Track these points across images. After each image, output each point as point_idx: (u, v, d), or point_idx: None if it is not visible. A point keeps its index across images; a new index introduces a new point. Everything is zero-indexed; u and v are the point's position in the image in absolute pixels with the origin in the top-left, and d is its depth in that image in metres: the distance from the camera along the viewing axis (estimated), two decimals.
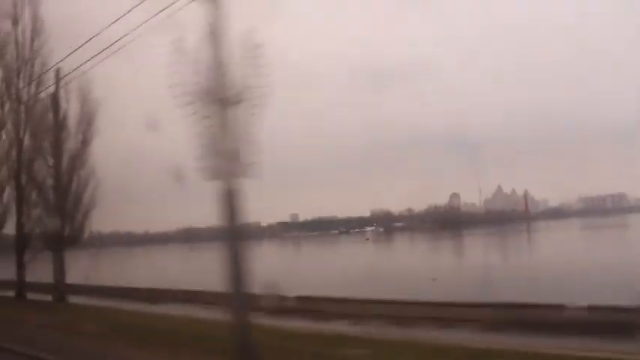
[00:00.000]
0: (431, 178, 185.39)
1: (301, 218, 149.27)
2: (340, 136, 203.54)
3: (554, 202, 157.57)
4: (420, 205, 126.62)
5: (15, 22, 23.76)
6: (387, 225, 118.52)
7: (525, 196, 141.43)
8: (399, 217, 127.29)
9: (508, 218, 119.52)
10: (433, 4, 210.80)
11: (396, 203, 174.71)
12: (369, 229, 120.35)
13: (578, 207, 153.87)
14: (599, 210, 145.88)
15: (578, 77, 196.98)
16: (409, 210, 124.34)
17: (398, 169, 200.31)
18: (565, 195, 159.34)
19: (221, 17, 8.66)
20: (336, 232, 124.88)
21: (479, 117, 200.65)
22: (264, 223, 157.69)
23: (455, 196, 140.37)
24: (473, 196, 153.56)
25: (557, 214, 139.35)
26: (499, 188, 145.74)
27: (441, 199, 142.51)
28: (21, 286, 24.75)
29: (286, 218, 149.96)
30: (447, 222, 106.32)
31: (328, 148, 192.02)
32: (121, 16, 12.13)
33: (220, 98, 8.58)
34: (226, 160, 8.43)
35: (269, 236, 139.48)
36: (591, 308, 13.31)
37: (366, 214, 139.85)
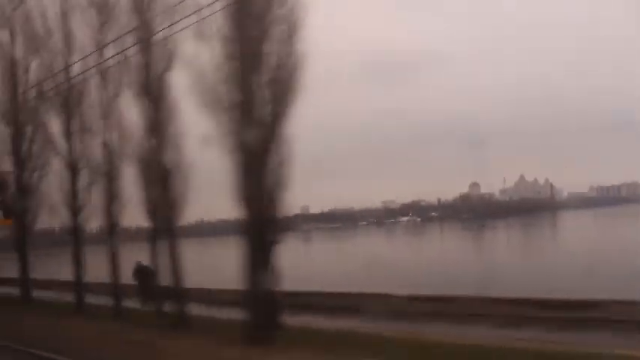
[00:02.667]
0: (440, 169, 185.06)
1: (312, 210, 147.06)
2: (351, 130, 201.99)
3: (567, 191, 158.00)
4: (434, 196, 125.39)
5: None
6: (423, 215, 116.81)
7: (551, 185, 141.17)
8: (425, 207, 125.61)
9: (537, 207, 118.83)
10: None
11: (405, 194, 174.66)
12: (404, 219, 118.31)
13: (591, 196, 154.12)
14: (614, 199, 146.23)
15: (590, 65, 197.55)
16: (439, 200, 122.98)
17: (409, 160, 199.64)
18: (579, 184, 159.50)
19: None
20: (365, 223, 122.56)
21: (490, 108, 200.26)
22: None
23: (475, 185, 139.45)
24: (491, 186, 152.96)
25: (579, 202, 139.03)
26: (522, 177, 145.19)
27: (453, 190, 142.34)
28: None
29: (296, 210, 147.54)
30: (482, 211, 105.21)
31: (336, 141, 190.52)
32: None
33: None
34: None
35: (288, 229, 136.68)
36: None
37: (378, 205, 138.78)
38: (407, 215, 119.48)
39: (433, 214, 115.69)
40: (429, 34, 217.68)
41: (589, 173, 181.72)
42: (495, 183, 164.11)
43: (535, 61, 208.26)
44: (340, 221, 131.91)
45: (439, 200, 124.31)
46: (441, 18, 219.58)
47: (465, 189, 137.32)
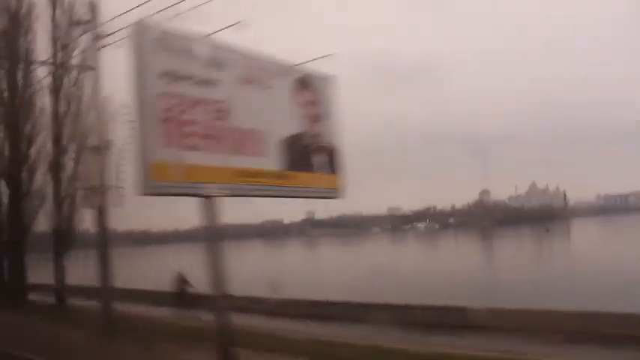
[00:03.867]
0: (444, 177, 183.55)
1: (317, 216, 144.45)
2: (354, 136, 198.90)
3: (574, 199, 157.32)
4: (440, 203, 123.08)
5: None
6: (441, 221, 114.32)
7: (564, 193, 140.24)
8: (437, 214, 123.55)
9: (552, 215, 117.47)
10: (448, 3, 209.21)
11: (410, 202, 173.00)
12: (421, 225, 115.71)
13: (599, 204, 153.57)
14: (623, 208, 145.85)
15: (597, 75, 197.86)
16: (453, 206, 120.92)
17: (413, 167, 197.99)
18: (585, 193, 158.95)
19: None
20: (377, 229, 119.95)
21: (495, 116, 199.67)
22: (286, 221, 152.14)
23: (485, 192, 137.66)
24: (499, 193, 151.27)
25: (589, 211, 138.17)
26: (533, 185, 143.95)
27: (460, 197, 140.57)
28: None
29: (301, 215, 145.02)
30: (501, 218, 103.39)
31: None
32: None
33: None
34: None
35: (296, 235, 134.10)
36: None
37: (383, 211, 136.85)
38: (422, 221, 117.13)
39: (451, 220, 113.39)
40: (436, 39, 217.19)
41: (594, 182, 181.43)
42: (503, 190, 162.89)
43: (544, 74, 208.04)
44: (350, 227, 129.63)
45: (453, 207, 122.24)
46: (451, 23, 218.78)
47: (472, 196, 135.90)
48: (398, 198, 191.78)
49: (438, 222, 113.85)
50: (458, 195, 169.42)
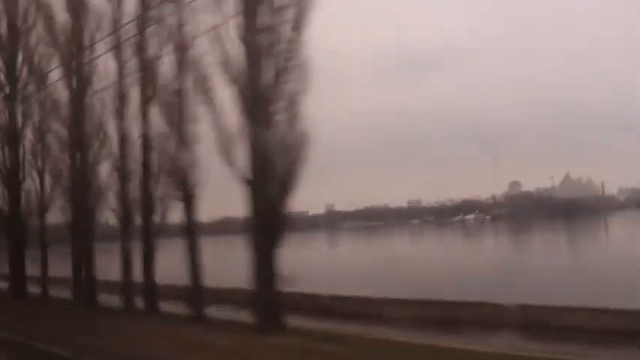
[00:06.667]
0: (462, 168, 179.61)
1: (337, 208, 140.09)
2: (372, 128, 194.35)
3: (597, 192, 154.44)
4: (456, 195, 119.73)
5: None
6: (489, 213, 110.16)
7: (602, 184, 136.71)
8: (476, 205, 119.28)
9: (595, 207, 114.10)
10: None
11: (430, 194, 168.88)
12: (470, 216, 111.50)
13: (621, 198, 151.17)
14: None
15: (616, 66, 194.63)
16: (493, 197, 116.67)
17: (426, 159, 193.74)
18: (607, 185, 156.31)
19: None
20: (416, 221, 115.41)
21: (504, 108, 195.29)
22: (310, 213, 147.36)
23: (515, 184, 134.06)
24: (527, 185, 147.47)
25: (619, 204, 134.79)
26: (567, 176, 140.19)
27: (485, 189, 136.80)
28: None
29: (320, 209, 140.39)
30: (548, 209, 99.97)
31: (357, 139, 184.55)
32: None
33: None
34: None
35: (328, 227, 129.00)
36: None
37: (403, 204, 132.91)
38: (471, 213, 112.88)
39: (503, 211, 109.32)
40: (453, 30, 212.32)
41: (613, 175, 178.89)
42: (529, 181, 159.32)
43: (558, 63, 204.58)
44: (380, 219, 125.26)
45: (494, 198, 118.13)
46: (466, 15, 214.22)
47: (497, 188, 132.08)
48: (418, 190, 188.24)
49: (486, 213, 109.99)
50: (481, 186, 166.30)
